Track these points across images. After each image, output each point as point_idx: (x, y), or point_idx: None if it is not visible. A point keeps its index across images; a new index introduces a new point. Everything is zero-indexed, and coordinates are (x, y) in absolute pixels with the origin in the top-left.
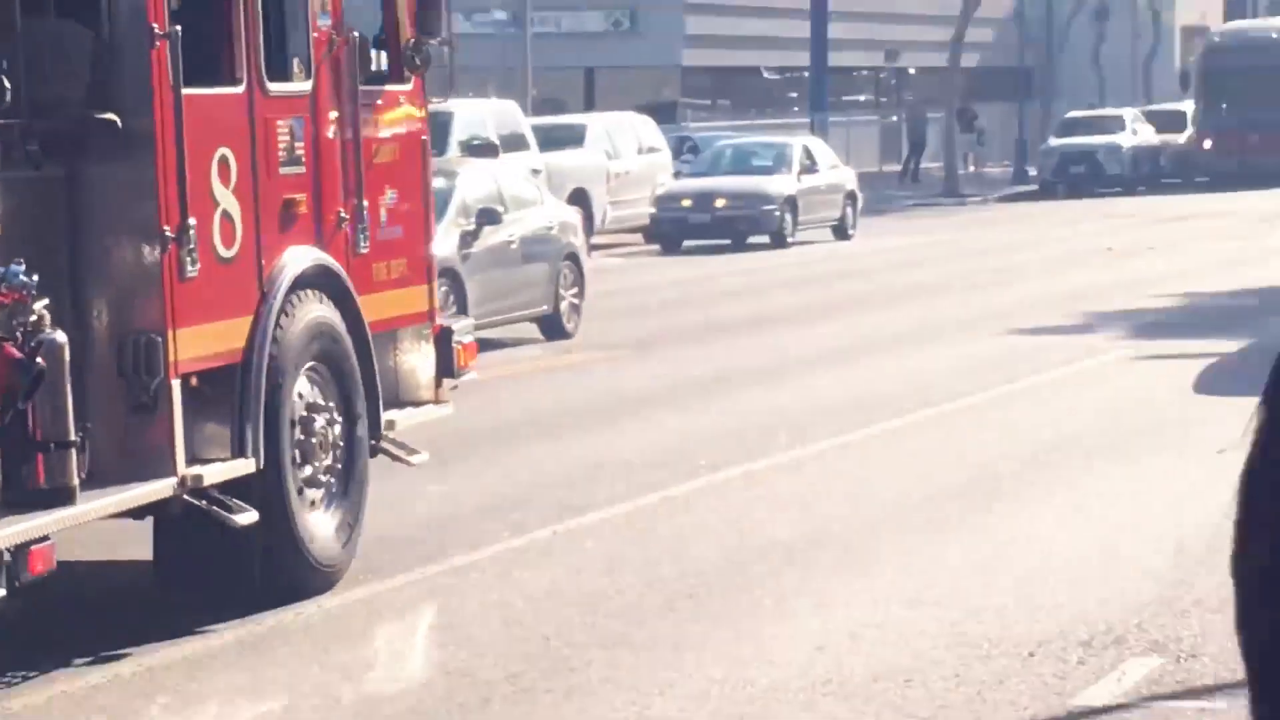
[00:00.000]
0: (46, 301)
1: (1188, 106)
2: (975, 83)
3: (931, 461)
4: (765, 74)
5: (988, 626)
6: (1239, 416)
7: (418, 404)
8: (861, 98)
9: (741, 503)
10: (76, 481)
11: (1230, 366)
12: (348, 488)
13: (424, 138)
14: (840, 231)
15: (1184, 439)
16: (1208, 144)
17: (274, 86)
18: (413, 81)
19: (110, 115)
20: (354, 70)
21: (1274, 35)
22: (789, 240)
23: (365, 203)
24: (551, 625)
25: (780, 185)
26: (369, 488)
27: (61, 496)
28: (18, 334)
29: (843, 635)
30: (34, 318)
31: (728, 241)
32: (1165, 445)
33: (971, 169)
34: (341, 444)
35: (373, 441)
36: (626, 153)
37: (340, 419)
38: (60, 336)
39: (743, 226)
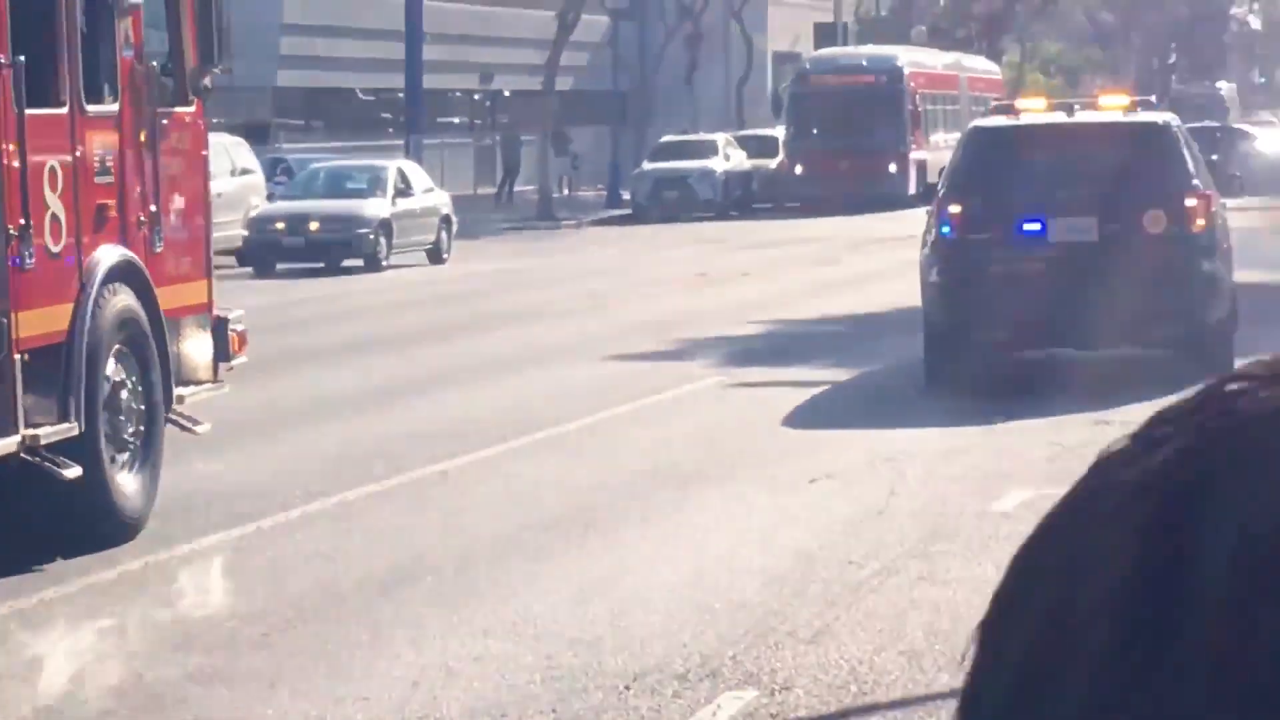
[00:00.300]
0: None
1: (779, 132)
2: (570, 106)
3: (528, 490)
4: (360, 95)
5: (584, 659)
6: (830, 448)
7: (198, 383)
8: (456, 120)
9: (337, 533)
10: None
11: (823, 400)
12: (148, 452)
13: (204, 152)
14: (435, 255)
15: (777, 468)
16: (799, 169)
17: (90, 108)
18: (195, 104)
19: None
20: (150, 94)
21: (863, 63)
22: (383, 264)
23: (159, 208)
24: (144, 660)
25: (374, 209)
26: None
27: None
28: None
29: (439, 669)
30: None
31: (321, 265)
32: (759, 475)
33: (566, 192)
34: (143, 414)
35: (166, 413)
36: (219, 174)
37: (142, 393)
38: None
39: (336, 250)
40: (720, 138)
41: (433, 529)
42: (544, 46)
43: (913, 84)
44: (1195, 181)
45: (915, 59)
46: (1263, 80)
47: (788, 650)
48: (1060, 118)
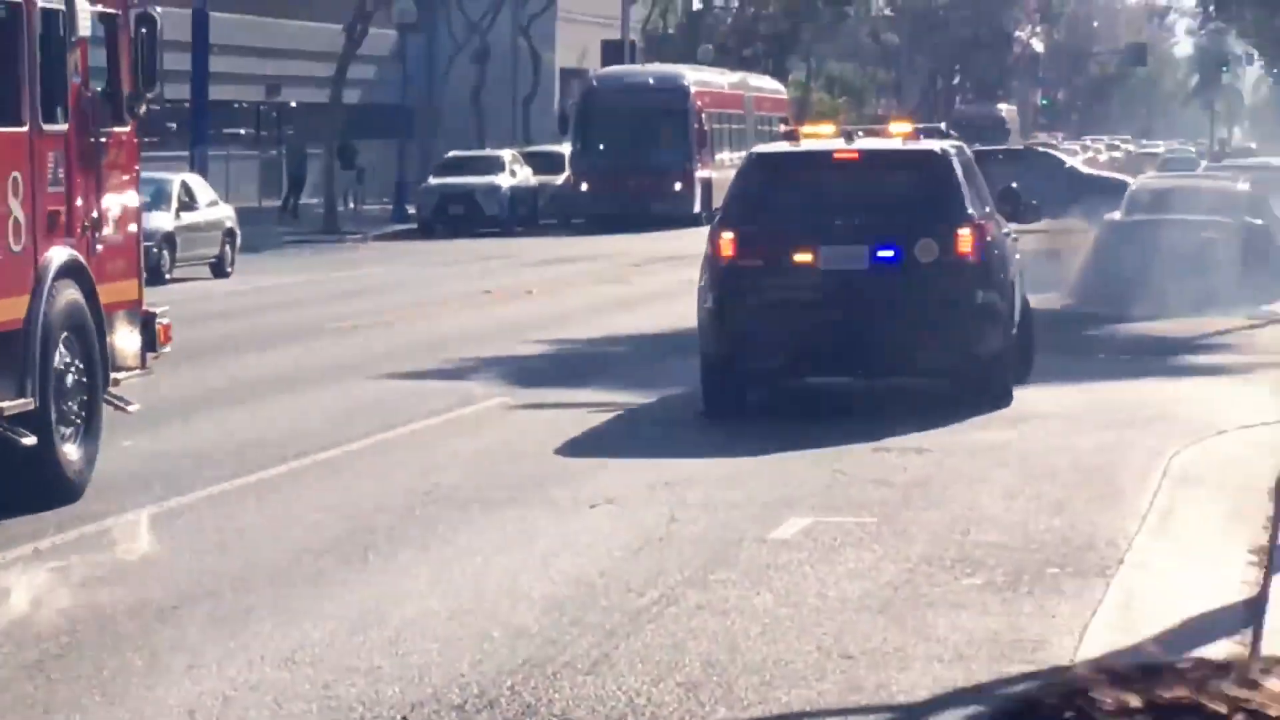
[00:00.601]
0: None
1: (566, 148)
2: (357, 119)
3: (308, 513)
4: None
5: (361, 688)
6: (611, 472)
7: (129, 369)
8: (242, 132)
9: (113, 557)
10: None
11: (606, 423)
12: (90, 427)
13: (136, 167)
14: (219, 269)
15: (559, 493)
16: (585, 186)
17: (45, 127)
18: (130, 125)
19: None
20: (94, 116)
21: (650, 81)
22: (167, 278)
23: (99, 215)
24: None
25: (158, 222)
26: None
27: None
28: None
29: (215, 698)
30: None
31: None
32: (540, 499)
33: (352, 206)
34: (85, 394)
35: (103, 394)
36: None
37: (84, 375)
38: None
39: None
40: (507, 154)
41: (211, 552)
42: (331, 59)
43: (699, 103)
44: (970, 211)
45: (701, 78)
46: (1045, 102)
47: (566, 681)
48: (839, 144)
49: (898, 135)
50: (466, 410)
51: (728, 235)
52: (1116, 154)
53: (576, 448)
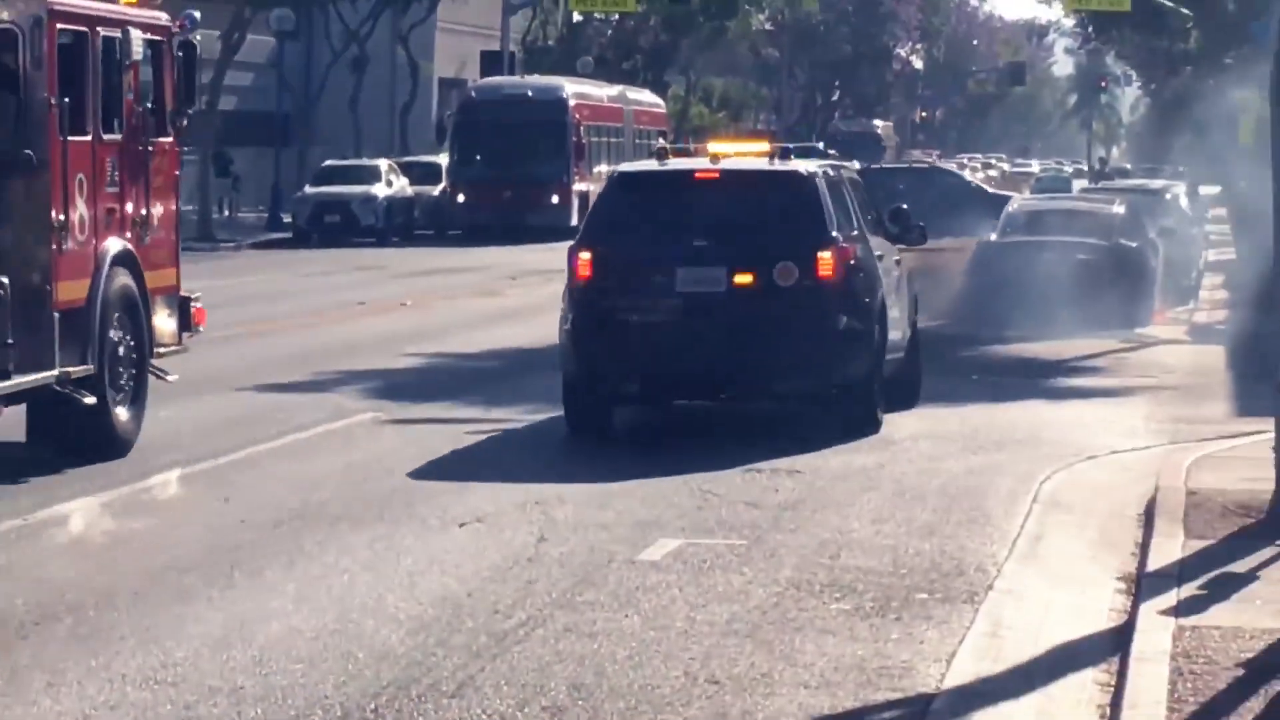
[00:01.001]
0: None
1: (443, 159)
2: (233, 126)
3: (174, 527)
4: None
5: (224, 709)
6: (481, 490)
7: (167, 346)
8: None
9: None
10: (11, 367)
11: (476, 439)
12: (137, 393)
13: (177, 172)
14: None
15: (427, 510)
16: (461, 197)
17: (105, 136)
18: (172, 135)
19: (28, 151)
20: (143, 127)
21: (528, 93)
22: None
23: (147, 212)
24: None
25: None
26: None
27: (7, 371)
28: None
29: (75, 718)
30: None
31: None
32: (408, 516)
33: (226, 214)
34: (134, 365)
35: (148, 366)
36: None
37: (134, 348)
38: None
39: None
40: (383, 163)
41: (75, 566)
42: (208, 66)
43: (577, 115)
44: (832, 233)
45: (580, 90)
46: (923, 118)
47: (430, 704)
48: (702, 164)
49: (754, 154)
50: (337, 424)
51: (584, 255)
52: (992, 173)
53: (447, 465)
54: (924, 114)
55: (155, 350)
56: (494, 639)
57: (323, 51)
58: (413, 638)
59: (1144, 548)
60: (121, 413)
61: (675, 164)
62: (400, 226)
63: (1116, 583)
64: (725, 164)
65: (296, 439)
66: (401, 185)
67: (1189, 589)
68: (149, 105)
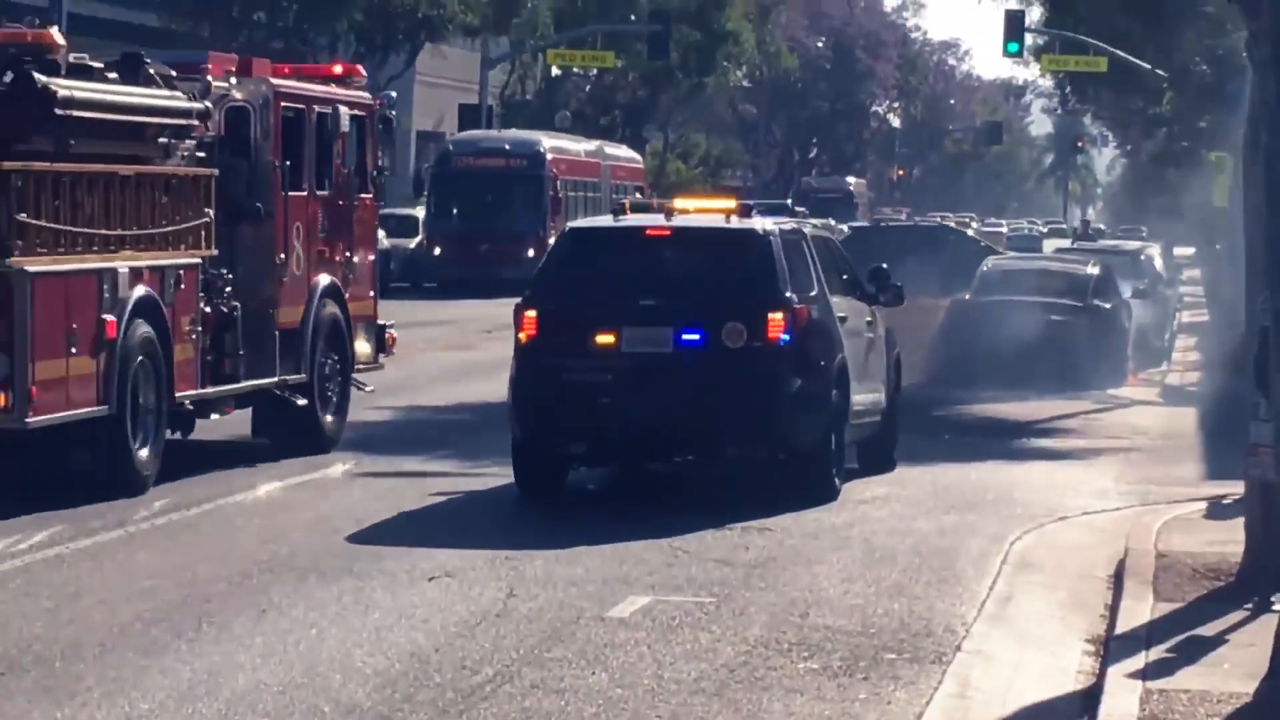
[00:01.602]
0: (230, 289)
1: (420, 211)
2: None
3: (144, 578)
4: None
5: None
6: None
7: (366, 364)
8: None
9: None
10: (241, 373)
11: (448, 492)
12: (341, 403)
13: (375, 222)
14: None
15: (397, 564)
16: (438, 250)
17: (318, 192)
18: (371, 192)
19: (258, 204)
20: (348, 186)
21: (506, 146)
22: None
23: (350, 254)
24: None
25: None
26: None
27: (239, 377)
28: (222, 303)
29: None
30: (227, 294)
31: None
32: (378, 570)
33: None
34: (339, 379)
35: (350, 379)
36: None
37: (338, 364)
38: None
39: None
40: None
41: (43, 617)
42: None
43: (554, 169)
44: (785, 293)
45: (558, 144)
46: (900, 175)
47: None
48: (657, 221)
49: (715, 210)
50: (310, 476)
51: (530, 314)
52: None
53: (417, 518)
54: (901, 172)
55: (356, 366)
56: (461, 695)
57: None
58: (380, 693)
59: (1113, 610)
60: (328, 417)
61: (628, 220)
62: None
63: (1085, 644)
64: (678, 221)
65: (268, 490)
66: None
67: (1157, 652)
68: (353, 167)
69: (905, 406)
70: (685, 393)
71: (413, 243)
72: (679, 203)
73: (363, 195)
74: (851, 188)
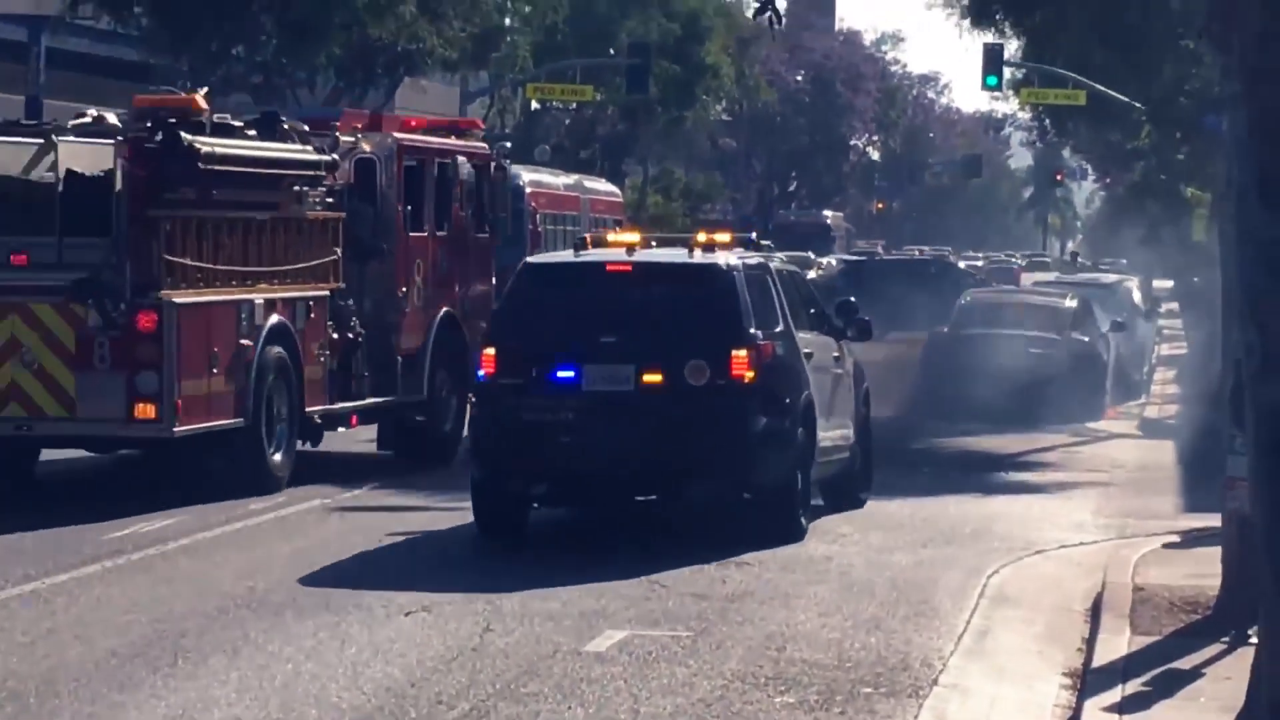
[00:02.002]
0: (356, 318)
1: None
2: None
3: (120, 614)
4: None
5: None
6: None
7: None
8: None
9: None
10: (366, 391)
11: (426, 527)
12: (458, 419)
13: (491, 259)
14: None
15: (374, 598)
16: None
17: (438, 233)
18: (487, 233)
19: (383, 244)
20: (465, 227)
21: None
22: None
23: (466, 289)
24: None
25: None
26: None
27: (363, 395)
28: (348, 330)
29: None
30: (353, 322)
31: None
32: (355, 604)
33: None
34: (456, 397)
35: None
36: None
37: (455, 385)
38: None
39: None
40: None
41: (18, 652)
42: None
43: (533, 203)
44: (749, 330)
45: (537, 178)
46: (880, 209)
47: None
48: (616, 255)
49: (693, 245)
50: (287, 511)
51: (489, 351)
52: None
53: (395, 552)
54: (881, 205)
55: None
56: None
57: None
58: None
59: (1090, 643)
60: (445, 429)
61: (588, 255)
62: None
63: (1062, 678)
64: (639, 256)
65: (245, 525)
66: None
67: (1134, 685)
68: (470, 210)
69: (885, 440)
70: (648, 432)
71: None
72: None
73: (479, 235)
74: (828, 221)
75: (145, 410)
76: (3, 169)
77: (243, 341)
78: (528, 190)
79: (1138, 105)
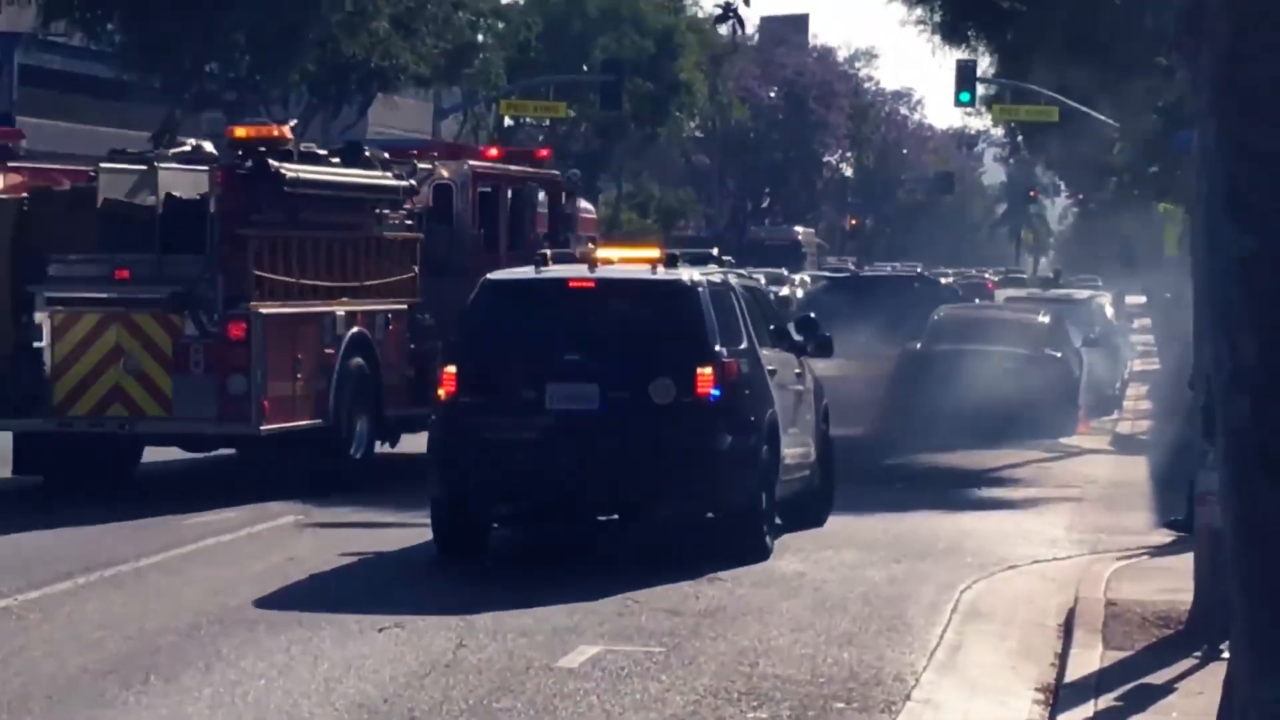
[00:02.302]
0: (432, 330)
1: None
2: None
3: (92, 630)
4: None
5: None
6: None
7: None
8: None
9: None
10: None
11: (399, 543)
12: None
13: None
14: None
15: (347, 614)
16: None
17: (510, 252)
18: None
19: (457, 262)
20: (536, 245)
21: None
22: None
23: None
24: None
25: None
26: None
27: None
28: (425, 341)
29: None
30: (430, 334)
31: None
32: (328, 621)
33: None
34: None
35: None
36: None
37: None
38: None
39: None
40: None
41: None
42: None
43: None
44: (715, 347)
45: None
46: (853, 225)
47: None
48: (578, 272)
49: (639, 260)
50: (260, 527)
51: (450, 370)
52: None
53: (368, 568)
54: (854, 221)
55: None
56: None
57: None
58: None
59: (1063, 658)
60: None
61: (549, 271)
62: None
63: (1035, 693)
64: (602, 272)
65: (219, 541)
66: None
67: (1106, 700)
68: (541, 231)
69: (859, 456)
70: (612, 451)
71: None
72: (601, 252)
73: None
74: (799, 237)
75: (235, 411)
76: (109, 192)
77: (325, 350)
78: None
79: (1110, 121)
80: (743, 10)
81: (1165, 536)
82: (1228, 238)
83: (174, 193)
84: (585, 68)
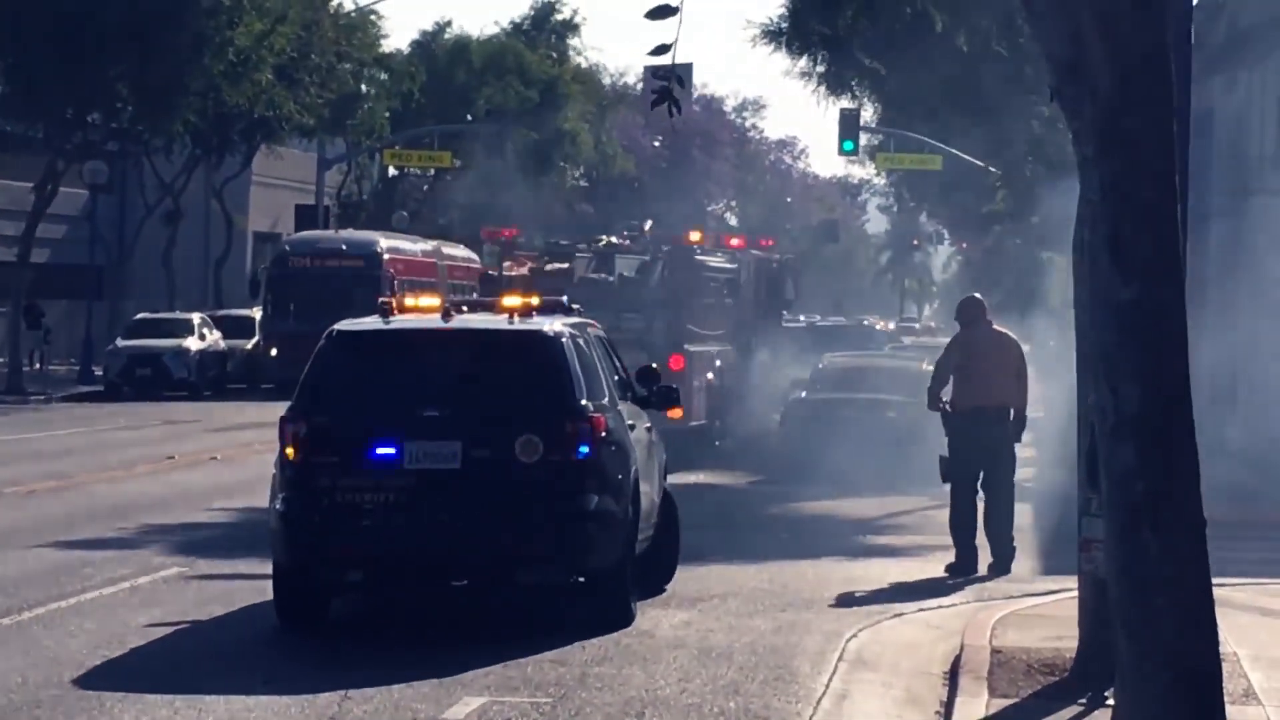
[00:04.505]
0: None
1: (257, 312)
2: (45, 279)
3: None
4: None
5: None
6: (280, 647)
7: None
8: None
9: None
10: None
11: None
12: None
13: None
14: None
15: (228, 669)
16: (274, 351)
17: (768, 315)
18: (785, 311)
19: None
20: (774, 313)
21: (343, 246)
22: None
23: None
24: None
25: None
26: None
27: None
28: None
29: None
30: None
31: None
32: (209, 675)
33: (38, 367)
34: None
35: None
36: None
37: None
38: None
39: None
40: (196, 317)
41: None
42: (20, 217)
43: (391, 269)
44: (581, 402)
45: (395, 244)
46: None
47: None
48: (433, 322)
49: (507, 310)
50: (143, 580)
51: (296, 427)
52: None
53: (251, 620)
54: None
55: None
56: None
57: (136, 204)
58: None
59: (948, 706)
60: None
61: (401, 321)
62: (213, 380)
63: None
64: (457, 322)
65: (101, 594)
66: (214, 339)
67: None
68: (775, 299)
69: (745, 505)
70: (476, 512)
71: (250, 344)
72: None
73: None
74: None
75: (675, 413)
76: (583, 273)
77: (709, 375)
78: (385, 257)
79: (992, 170)
80: (677, 91)
81: (1051, 584)
82: (1110, 285)
83: (624, 272)
84: (470, 117)
